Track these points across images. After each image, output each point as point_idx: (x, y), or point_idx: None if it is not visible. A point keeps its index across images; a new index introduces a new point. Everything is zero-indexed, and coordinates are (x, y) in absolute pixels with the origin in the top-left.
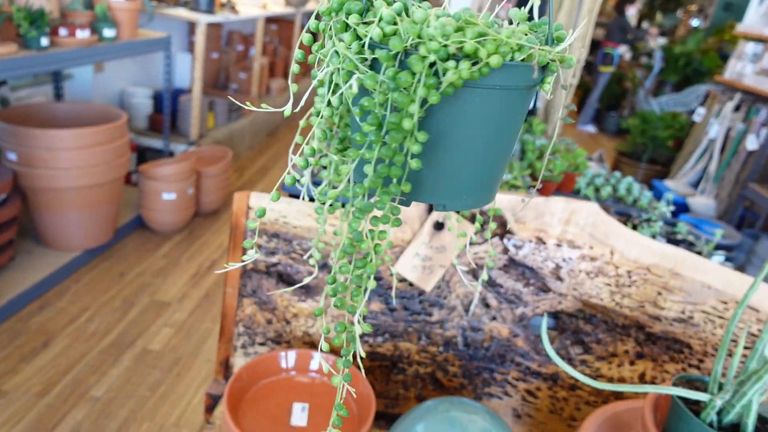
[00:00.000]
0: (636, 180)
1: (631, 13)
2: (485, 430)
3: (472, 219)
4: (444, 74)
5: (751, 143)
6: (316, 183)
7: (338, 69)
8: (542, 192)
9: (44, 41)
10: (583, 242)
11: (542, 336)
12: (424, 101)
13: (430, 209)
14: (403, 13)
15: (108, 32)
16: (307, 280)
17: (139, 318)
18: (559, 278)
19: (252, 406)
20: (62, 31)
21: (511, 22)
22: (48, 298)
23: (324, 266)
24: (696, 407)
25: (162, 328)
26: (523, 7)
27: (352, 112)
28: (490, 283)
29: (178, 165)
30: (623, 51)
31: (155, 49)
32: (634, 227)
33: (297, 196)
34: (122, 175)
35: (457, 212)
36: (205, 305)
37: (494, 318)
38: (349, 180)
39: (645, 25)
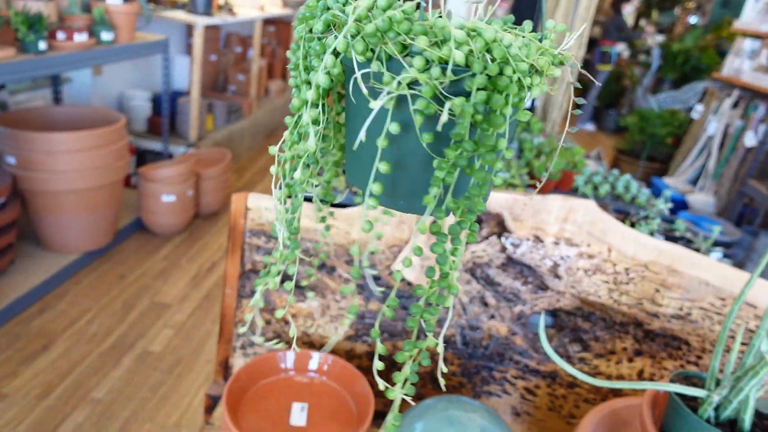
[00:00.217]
0: (635, 178)
1: (628, 11)
2: (484, 428)
3: None
4: (528, 89)
5: (750, 140)
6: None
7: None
8: (540, 190)
9: (42, 45)
10: (581, 240)
11: (540, 334)
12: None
13: None
14: (463, 32)
15: (106, 35)
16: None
17: (139, 320)
18: (557, 276)
19: (251, 407)
20: (60, 35)
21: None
22: (48, 301)
23: (322, 266)
24: (694, 403)
25: (162, 330)
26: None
27: (419, 138)
28: (489, 282)
29: (178, 167)
30: (621, 49)
31: (153, 52)
32: (632, 225)
33: None
34: (121, 178)
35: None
36: (206, 306)
37: (493, 316)
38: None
39: (642, 22)
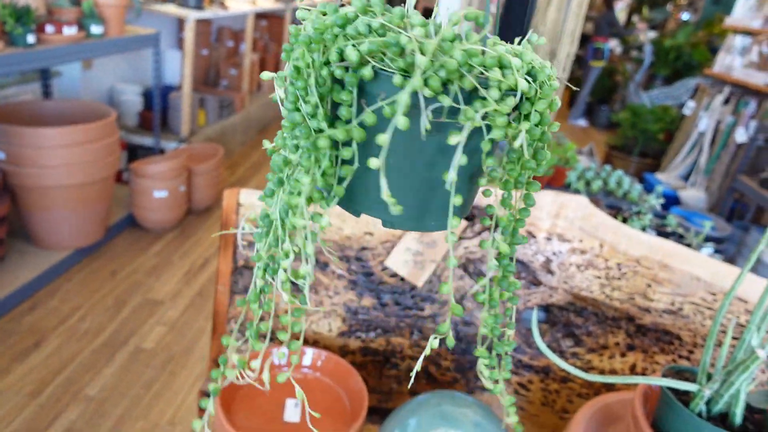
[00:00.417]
0: (627, 173)
1: (620, 7)
2: (477, 423)
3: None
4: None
5: (741, 136)
6: None
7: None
8: None
9: (31, 38)
10: (573, 235)
11: (533, 329)
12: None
13: None
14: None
15: (95, 29)
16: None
17: (131, 317)
18: (550, 271)
19: (245, 403)
20: (49, 28)
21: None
22: (39, 298)
23: (315, 262)
24: (685, 397)
25: (155, 327)
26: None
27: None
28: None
29: (169, 162)
30: (613, 45)
31: (144, 46)
32: (624, 220)
33: None
34: (112, 173)
35: None
36: (198, 303)
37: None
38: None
39: (635, 18)
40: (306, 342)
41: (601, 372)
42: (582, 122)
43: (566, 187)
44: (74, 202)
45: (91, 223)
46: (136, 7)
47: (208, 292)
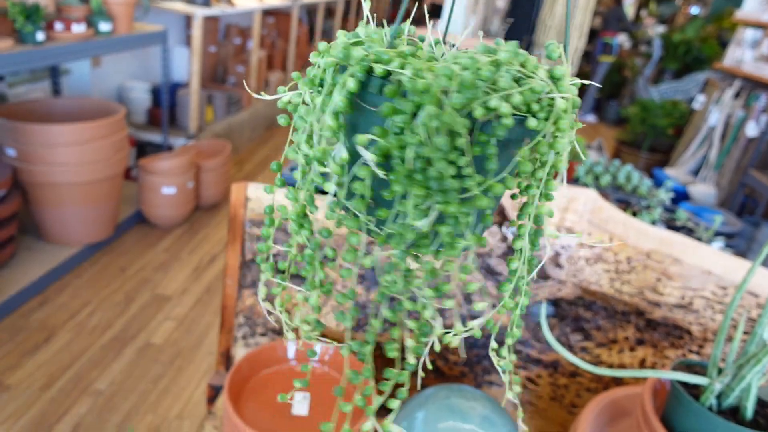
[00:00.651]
0: (636, 168)
1: (629, 1)
2: (485, 417)
3: None
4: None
5: (751, 130)
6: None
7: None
8: None
9: (40, 36)
10: (582, 229)
11: (542, 323)
12: None
13: None
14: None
15: (104, 26)
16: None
17: (140, 312)
18: (559, 265)
19: (253, 396)
20: (58, 26)
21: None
22: (49, 294)
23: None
24: (696, 392)
25: (163, 322)
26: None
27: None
28: (489, 272)
29: (178, 159)
30: (622, 40)
31: (152, 43)
32: (634, 214)
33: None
34: (122, 170)
35: None
36: (207, 299)
37: (494, 306)
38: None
39: (643, 13)
40: None
41: (610, 366)
42: (591, 118)
43: (575, 182)
44: (84, 199)
45: (100, 219)
46: (144, 5)
47: (216, 288)
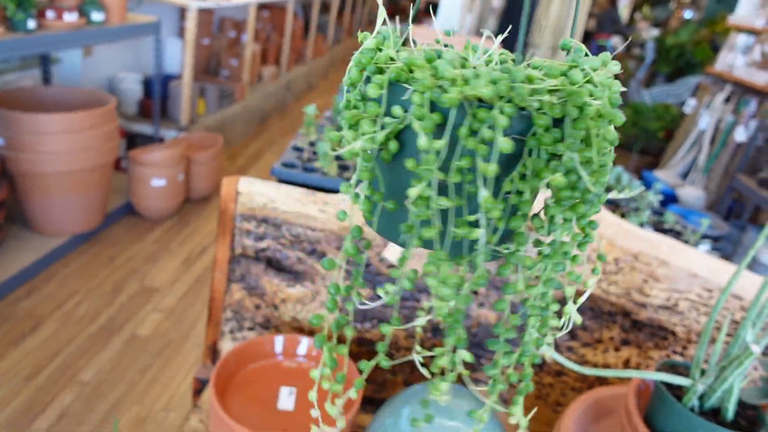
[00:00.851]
0: (626, 170)
1: (624, 3)
2: (469, 413)
3: None
4: None
5: (740, 135)
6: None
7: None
8: None
9: (31, 24)
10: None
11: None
12: None
13: None
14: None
15: (96, 15)
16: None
17: (128, 303)
18: None
19: (239, 390)
20: (49, 14)
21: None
22: (36, 283)
23: (312, 252)
24: (679, 392)
25: (151, 313)
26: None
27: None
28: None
29: (168, 151)
30: (615, 42)
31: (144, 34)
32: (623, 216)
33: (286, 182)
34: (111, 161)
35: None
36: (196, 291)
37: (482, 304)
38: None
39: (637, 16)
40: (302, 331)
41: (595, 366)
42: None
43: None
44: (72, 189)
45: (89, 209)
46: None
47: (205, 280)
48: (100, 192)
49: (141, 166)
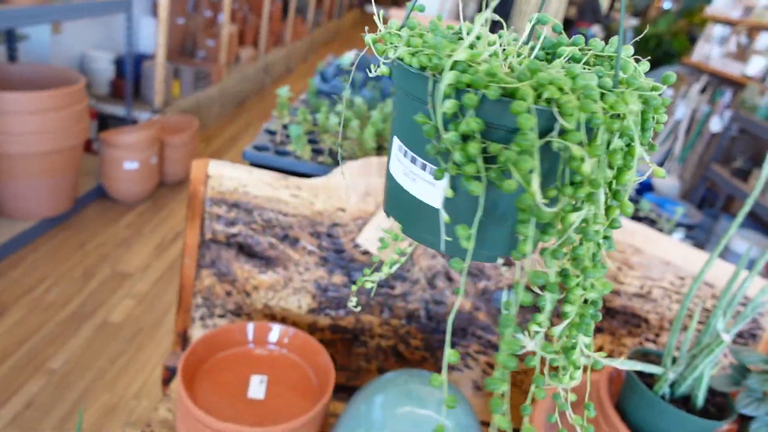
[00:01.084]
0: None
1: None
2: (443, 401)
3: None
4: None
5: (715, 125)
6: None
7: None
8: None
9: None
10: None
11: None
12: None
13: None
14: None
15: None
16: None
17: (99, 289)
18: None
19: (208, 379)
20: None
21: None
22: (2, 268)
23: (285, 238)
24: (650, 380)
25: (123, 299)
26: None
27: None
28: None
29: (141, 133)
30: (596, 31)
31: (115, 11)
32: None
33: (258, 165)
34: (81, 142)
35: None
36: (169, 276)
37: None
38: None
39: (617, 5)
40: (274, 318)
41: None
42: None
43: None
44: (40, 171)
45: (58, 192)
46: None
47: (179, 266)
48: (69, 175)
49: (113, 149)
